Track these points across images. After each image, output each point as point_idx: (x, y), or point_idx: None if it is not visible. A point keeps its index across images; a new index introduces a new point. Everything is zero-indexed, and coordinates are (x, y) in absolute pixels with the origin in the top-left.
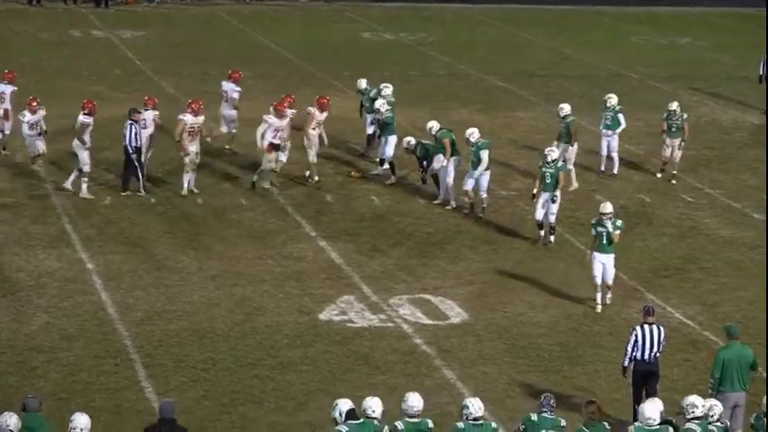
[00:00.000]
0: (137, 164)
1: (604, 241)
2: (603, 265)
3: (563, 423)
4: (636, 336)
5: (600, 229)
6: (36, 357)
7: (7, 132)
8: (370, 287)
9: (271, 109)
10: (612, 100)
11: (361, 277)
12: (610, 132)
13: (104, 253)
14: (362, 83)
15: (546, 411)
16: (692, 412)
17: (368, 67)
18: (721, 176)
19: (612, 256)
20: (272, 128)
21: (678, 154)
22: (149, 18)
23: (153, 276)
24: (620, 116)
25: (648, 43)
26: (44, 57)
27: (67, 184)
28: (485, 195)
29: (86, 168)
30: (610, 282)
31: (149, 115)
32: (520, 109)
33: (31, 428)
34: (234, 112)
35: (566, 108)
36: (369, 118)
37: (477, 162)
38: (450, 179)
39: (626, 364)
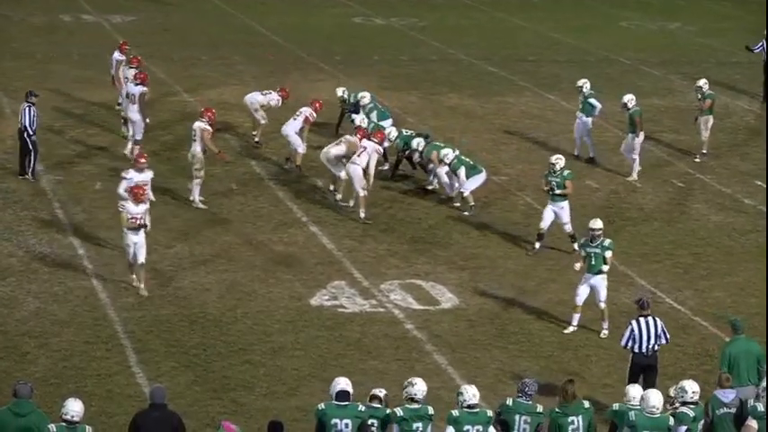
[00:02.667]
0: (31, 147)
1: (593, 262)
2: (593, 287)
3: (539, 409)
4: (632, 330)
5: (588, 249)
6: (27, 343)
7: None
8: (361, 272)
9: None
10: (586, 85)
11: (353, 263)
12: (582, 116)
13: (95, 238)
14: (339, 91)
15: (522, 396)
16: (682, 396)
17: (359, 52)
18: (712, 161)
19: (604, 276)
20: (375, 156)
21: (704, 132)
22: (139, 2)
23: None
24: (592, 100)
25: (638, 28)
26: (35, 42)
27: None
28: (466, 194)
29: (139, 136)
30: (602, 304)
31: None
32: (510, 94)
33: (22, 415)
34: (258, 100)
35: (630, 100)
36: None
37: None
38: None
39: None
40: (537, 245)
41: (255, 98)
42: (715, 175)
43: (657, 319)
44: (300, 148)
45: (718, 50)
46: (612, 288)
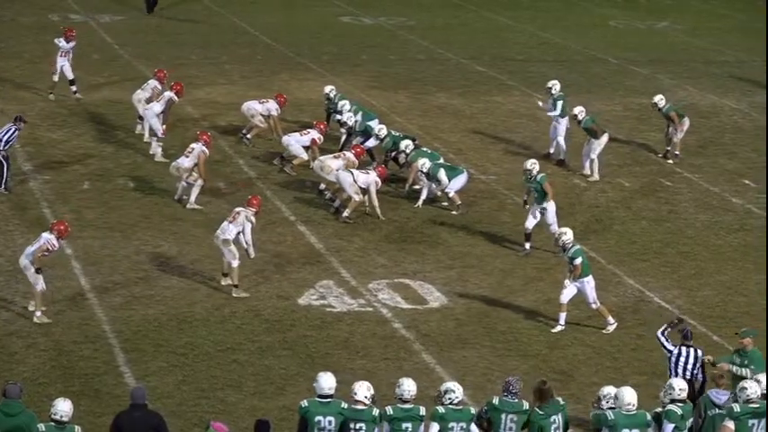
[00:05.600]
0: (3, 160)
1: (570, 269)
2: (579, 290)
3: (525, 407)
4: (671, 351)
5: (564, 256)
6: (15, 343)
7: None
8: (349, 272)
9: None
10: (555, 87)
11: (341, 262)
12: (557, 117)
13: (83, 238)
14: (327, 88)
15: (507, 395)
16: (670, 394)
17: (347, 52)
18: (699, 160)
19: (588, 278)
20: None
21: (678, 134)
22: (127, 2)
23: (132, 261)
24: (559, 103)
25: (626, 27)
26: (23, 41)
27: (158, 157)
28: (451, 194)
29: (160, 134)
30: (593, 305)
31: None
32: (499, 93)
33: (12, 415)
34: (257, 109)
35: (581, 112)
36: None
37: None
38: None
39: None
40: (527, 245)
41: (253, 107)
42: (702, 173)
43: (700, 351)
44: (304, 155)
45: (706, 49)
46: (600, 287)
